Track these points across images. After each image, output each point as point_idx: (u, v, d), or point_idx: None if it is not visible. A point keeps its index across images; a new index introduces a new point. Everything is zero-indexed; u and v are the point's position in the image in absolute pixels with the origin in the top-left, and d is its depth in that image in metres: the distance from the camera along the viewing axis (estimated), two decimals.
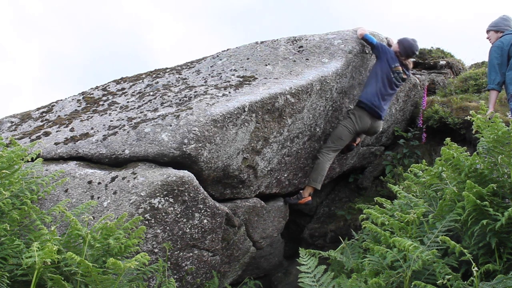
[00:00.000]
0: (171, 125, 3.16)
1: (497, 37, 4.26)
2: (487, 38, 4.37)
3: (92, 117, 3.81)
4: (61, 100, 4.55)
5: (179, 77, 4.41)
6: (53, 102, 4.54)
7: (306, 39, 4.69)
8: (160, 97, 3.84)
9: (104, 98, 4.28)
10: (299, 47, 4.64)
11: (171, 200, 2.91)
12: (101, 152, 3.23)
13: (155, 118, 3.33)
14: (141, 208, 2.79)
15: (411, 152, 5.26)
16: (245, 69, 4.27)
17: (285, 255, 5.04)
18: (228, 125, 3.27)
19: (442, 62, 6.88)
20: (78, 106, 4.25)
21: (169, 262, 3.01)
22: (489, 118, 4.18)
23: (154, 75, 4.67)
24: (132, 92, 4.26)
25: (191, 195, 3.01)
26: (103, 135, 3.36)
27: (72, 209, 2.58)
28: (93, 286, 2.04)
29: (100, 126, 3.57)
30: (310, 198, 4.25)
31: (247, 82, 3.92)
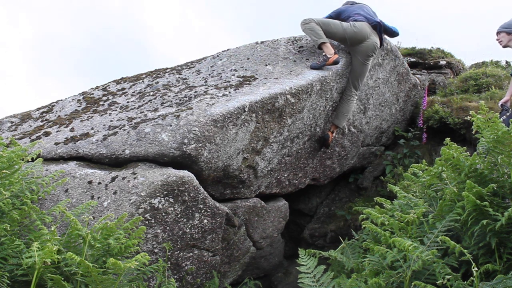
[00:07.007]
0: (171, 125, 3.16)
1: (509, 39, 4.13)
2: (497, 40, 4.19)
3: (92, 117, 3.81)
4: (61, 100, 4.55)
5: (179, 77, 4.41)
6: (53, 102, 4.55)
7: (307, 39, 4.70)
8: (160, 97, 3.84)
9: (104, 98, 4.29)
10: (299, 47, 4.64)
11: (171, 200, 2.91)
12: (101, 152, 3.23)
13: (155, 118, 3.33)
14: (141, 208, 2.79)
15: (411, 152, 5.26)
16: (245, 69, 4.27)
17: (285, 255, 5.04)
18: (228, 125, 3.27)
19: (442, 62, 6.89)
20: (78, 106, 4.26)
21: (169, 262, 3.01)
22: (501, 105, 4.12)
23: (154, 75, 4.68)
24: (132, 92, 4.26)
25: (191, 195, 3.01)
26: (103, 135, 3.36)
27: (72, 209, 2.58)
28: (93, 286, 2.04)
29: (100, 126, 3.57)
30: (337, 55, 4.15)
31: (247, 82, 3.92)
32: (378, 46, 4.37)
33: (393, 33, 4.81)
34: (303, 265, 2.56)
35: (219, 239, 3.36)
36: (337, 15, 4.52)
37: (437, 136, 5.28)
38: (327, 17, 4.54)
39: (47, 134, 3.67)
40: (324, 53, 4.17)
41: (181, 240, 3.05)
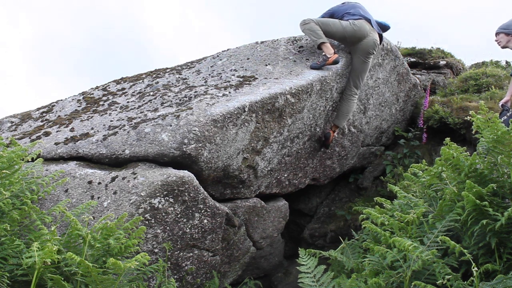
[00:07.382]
0: (171, 125, 3.16)
1: (507, 40, 4.11)
2: (496, 40, 4.18)
3: (92, 117, 3.81)
4: (61, 100, 4.56)
5: (179, 77, 4.41)
6: (53, 102, 4.55)
7: (306, 39, 4.70)
8: (160, 97, 3.84)
9: (104, 98, 4.29)
10: (299, 47, 4.64)
11: (171, 200, 2.92)
12: (101, 152, 3.23)
13: (155, 118, 3.33)
14: (141, 208, 2.79)
15: (411, 152, 5.26)
16: (245, 69, 4.27)
17: (285, 255, 5.04)
18: (228, 125, 3.27)
19: (442, 62, 6.89)
20: (78, 106, 4.26)
21: (169, 262, 3.01)
22: (502, 105, 4.11)
23: (154, 75, 4.68)
24: (132, 92, 4.26)
25: (191, 195, 3.01)
26: (103, 135, 3.36)
27: (72, 209, 2.58)
28: (93, 286, 2.04)
29: (100, 126, 3.57)
30: (336, 55, 4.15)
31: (247, 82, 3.92)
32: (378, 43, 4.37)
33: (385, 28, 4.81)
34: (303, 265, 2.56)
35: (219, 239, 3.36)
36: (331, 15, 4.52)
37: (437, 136, 5.27)
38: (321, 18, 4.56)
39: (47, 134, 3.67)
40: (323, 53, 4.17)
41: (181, 240, 3.05)
